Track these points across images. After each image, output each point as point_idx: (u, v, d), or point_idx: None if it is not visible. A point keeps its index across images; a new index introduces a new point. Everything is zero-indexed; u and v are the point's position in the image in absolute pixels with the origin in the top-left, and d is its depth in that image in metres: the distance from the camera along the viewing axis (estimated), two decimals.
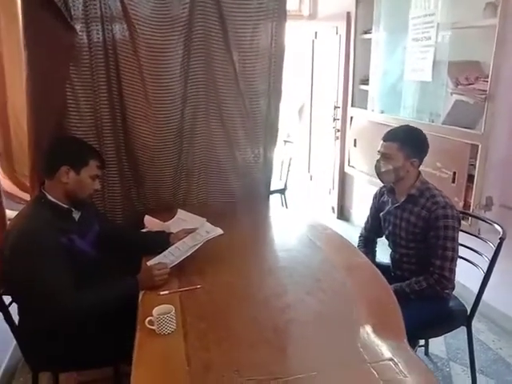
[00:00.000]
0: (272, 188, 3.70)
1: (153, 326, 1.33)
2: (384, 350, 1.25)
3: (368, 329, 1.36)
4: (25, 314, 1.62)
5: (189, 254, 1.73)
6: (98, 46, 2.00)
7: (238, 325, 1.42)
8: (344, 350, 1.29)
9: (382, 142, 1.91)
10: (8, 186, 2.30)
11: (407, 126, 1.98)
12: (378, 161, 1.93)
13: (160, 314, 1.33)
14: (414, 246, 1.91)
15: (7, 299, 1.61)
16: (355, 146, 3.81)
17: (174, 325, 1.35)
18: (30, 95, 1.92)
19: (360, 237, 2.26)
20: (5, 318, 1.59)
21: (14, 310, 1.62)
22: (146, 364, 1.22)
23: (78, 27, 1.92)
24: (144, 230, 2.04)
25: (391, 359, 1.20)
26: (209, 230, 1.82)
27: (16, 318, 1.63)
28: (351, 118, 3.86)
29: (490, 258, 1.83)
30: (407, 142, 1.86)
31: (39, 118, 1.94)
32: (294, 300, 1.55)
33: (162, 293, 1.55)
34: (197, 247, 1.75)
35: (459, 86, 2.57)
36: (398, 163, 1.85)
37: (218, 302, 1.55)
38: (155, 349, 1.28)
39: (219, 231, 1.81)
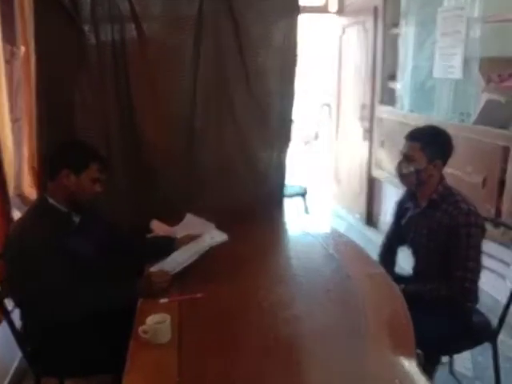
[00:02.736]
0: (292, 191, 3.63)
1: (146, 334, 1.28)
2: (389, 366, 1.19)
3: (375, 344, 1.28)
4: (27, 317, 1.62)
5: (192, 260, 1.67)
6: (107, 46, 1.98)
7: (238, 336, 1.37)
8: (347, 365, 1.22)
9: (404, 141, 1.83)
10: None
11: (430, 125, 1.90)
12: (399, 162, 1.84)
13: (154, 323, 1.29)
14: (436, 254, 1.78)
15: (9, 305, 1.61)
16: (382, 147, 3.65)
17: (169, 334, 1.30)
18: (38, 98, 1.93)
19: (382, 245, 2.14)
20: (8, 323, 1.59)
21: (15, 316, 1.63)
22: (137, 373, 1.20)
23: (86, 28, 1.92)
24: (150, 235, 2.00)
25: (396, 377, 1.13)
26: (214, 236, 1.76)
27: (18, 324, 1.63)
28: (379, 117, 3.70)
29: None
30: (430, 142, 1.77)
31: (48, 120, 1.94)
32: (301, 311, 1.49)
33: (161, 301, 1.50)
34: (201, 253, 1.69)
35: (491, 84, 2.40)
36: (421, 165, 1.76)
37: (219, 311, 1.48)
38: (147, 358, 1.25)
39: (224, 237, 1.75)
